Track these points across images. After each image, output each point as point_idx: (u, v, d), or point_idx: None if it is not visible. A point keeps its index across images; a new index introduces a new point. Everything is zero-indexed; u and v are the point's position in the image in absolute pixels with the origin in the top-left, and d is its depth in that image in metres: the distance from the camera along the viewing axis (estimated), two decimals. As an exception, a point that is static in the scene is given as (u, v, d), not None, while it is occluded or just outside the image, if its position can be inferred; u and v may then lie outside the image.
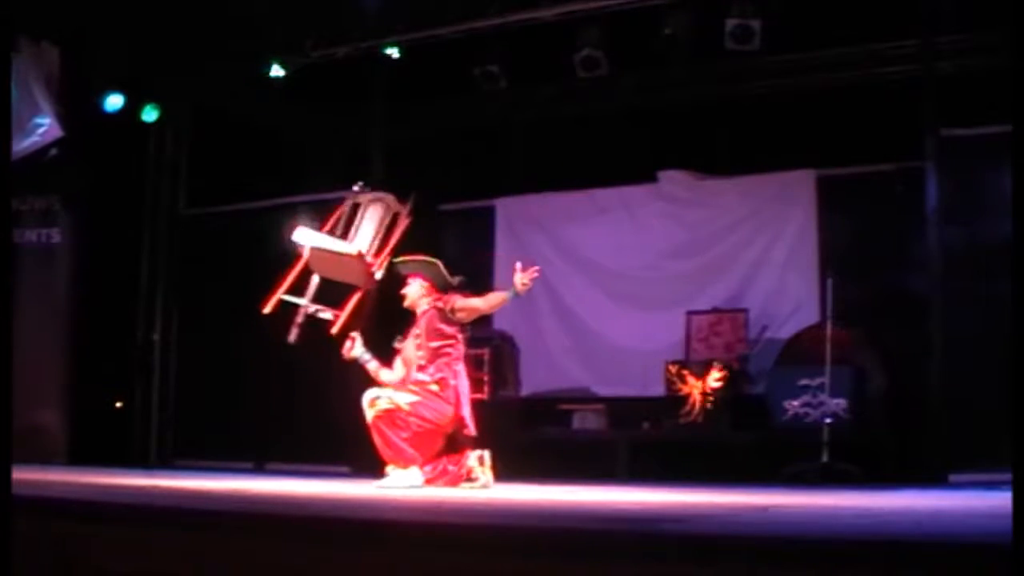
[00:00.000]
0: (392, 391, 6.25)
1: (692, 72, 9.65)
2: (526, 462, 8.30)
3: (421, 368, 6.33)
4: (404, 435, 6.14)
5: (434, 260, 6.54)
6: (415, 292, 6.50)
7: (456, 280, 6.51)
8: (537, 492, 5.93)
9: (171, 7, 8.85)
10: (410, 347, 6.46)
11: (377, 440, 6.16)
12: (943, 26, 8.45)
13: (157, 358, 10.26)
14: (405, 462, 6.11)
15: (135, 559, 3.09)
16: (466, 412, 6.31)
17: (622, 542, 2.84)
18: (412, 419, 6.15)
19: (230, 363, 9.96)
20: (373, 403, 6.16)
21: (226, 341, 10.02)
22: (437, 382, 6.26)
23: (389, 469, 6.17)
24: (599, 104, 10.18)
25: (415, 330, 6.44)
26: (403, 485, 6.01)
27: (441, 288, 6.47)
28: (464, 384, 6.37)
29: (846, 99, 9.16)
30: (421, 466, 6.17)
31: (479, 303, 6.41)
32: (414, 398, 6.20)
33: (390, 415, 6.12)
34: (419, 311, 6.48)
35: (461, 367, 6.39)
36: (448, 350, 6.34)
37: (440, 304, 6.39)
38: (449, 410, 6.23)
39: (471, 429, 6.33)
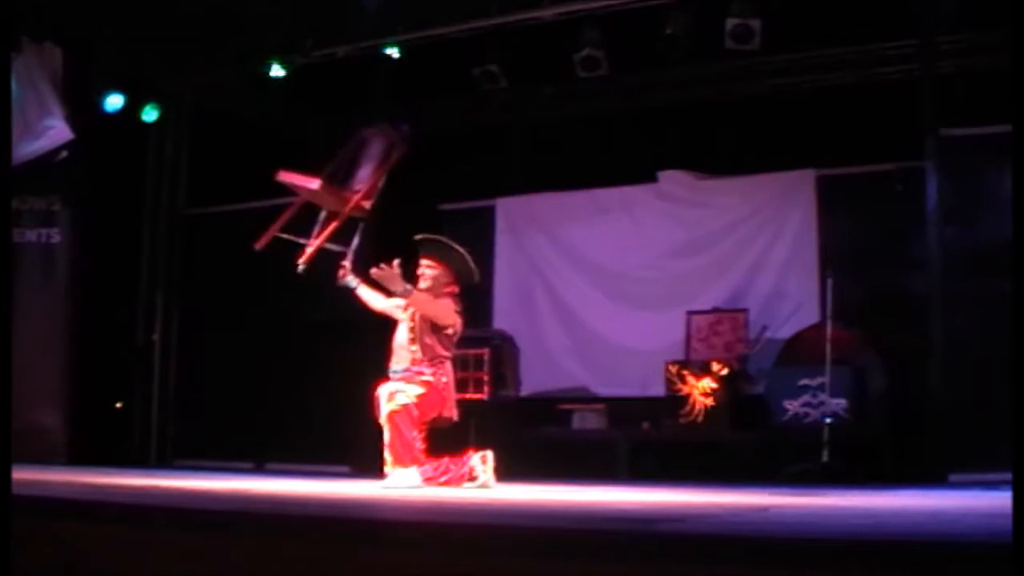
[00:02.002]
0: (406, 384, 6.23)
1: (692, 72, 9.66)
2: (526, 462, 8.30)
3: (417, 362, 6.32)
4: (415, 433, 6.14)
5: (462, 250, 6.46)
6: (435, 276, 6.40)
7: (476, 273, 6.53)
8: (537, 492, 5.93)
9: (171, 7, 8.85)
10: (402, 333, 6.43)
11: (389, 435, 6.15)
12: (943, 26, 8.45)
13: (157, 358, 10.25)
14: (410, 461, 6.10)
15: (135, 559, 3.09)
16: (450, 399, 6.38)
17: (622, 542, 2.84)
18: (416, 411, 6.17)
19: (230, 363, 9.96)
20: (392, 397, 6.14)
21: (226, 341, 10.02)
22: (434, 374, 6.27)
23: (389, 469, 6.16)
24: (599, 104, 10.18)
25: (410, 321, 6.41)
26: (403, 485, 6.01)
27: (463, 281, 6.46)
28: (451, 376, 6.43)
29: (846, 99, 9.16)
30: (422, 465, 6.17)
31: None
32: (421, 390, 6.21)
33: (407, 411, 6.12)
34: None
35: (449, 364, 6.43)
36: (442, 352, 6.36)
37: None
38: (438, 399, 6.28)
39: (454, 414, 6.37)
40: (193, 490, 5.16)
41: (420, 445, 6.18)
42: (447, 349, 6.39)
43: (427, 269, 6.41)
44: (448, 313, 6.29)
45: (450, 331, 6.35)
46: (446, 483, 6.13)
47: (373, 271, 6.13)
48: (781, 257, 9.64)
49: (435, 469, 6.19)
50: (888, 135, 8.72)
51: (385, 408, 6.16)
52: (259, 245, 6.57)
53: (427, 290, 6.35)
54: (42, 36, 9.03)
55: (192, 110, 10.51)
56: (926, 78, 8.45)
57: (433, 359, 6.31)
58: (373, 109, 10.30)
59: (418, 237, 6.48)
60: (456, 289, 6.42)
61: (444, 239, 6.49)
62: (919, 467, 7.89)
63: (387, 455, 6.20)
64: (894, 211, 9.06)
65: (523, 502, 4.89)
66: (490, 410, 9.43)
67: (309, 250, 6.57)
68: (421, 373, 6.29)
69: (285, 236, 6.51)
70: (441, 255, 6.41)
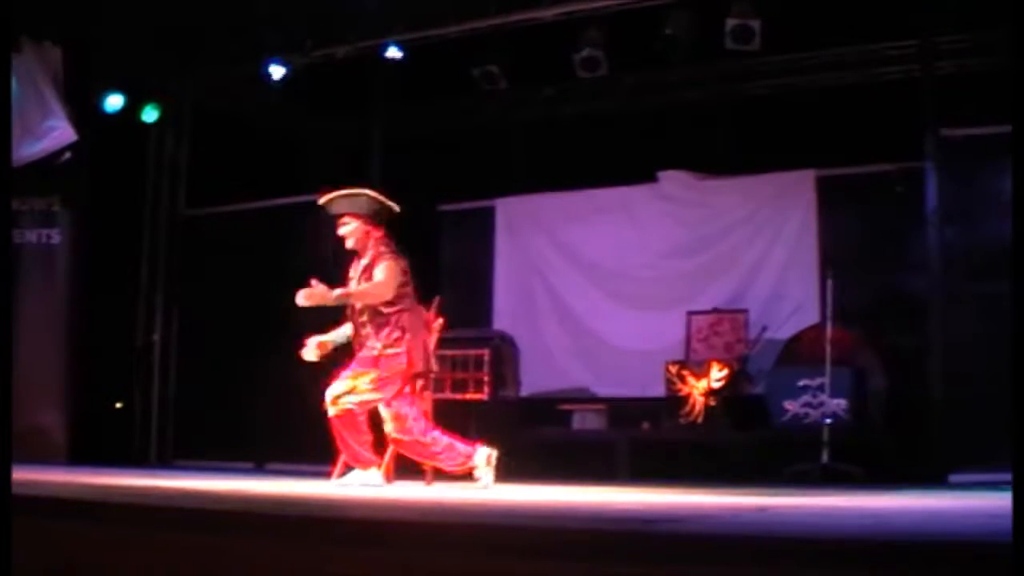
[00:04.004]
0: (354, 379, 5.98)
1: (692, 72, 9.67)
2: (526, 462, 8.29)
3: (366, 336, 6.04)
4: (365, 438, 5.98)
5: (361, 191, 6.19)
6: (353, 231, 6.11)
7: (393, 205, 6.14)
8: (537, 492, 5.93)
9: (171, 7, 8.85)
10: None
11: (336, 438, 6.07)
12: (943, 26, 8.45)
13: (157, 358, 10.24)
14: (363, 464, 6.04)
15: (135, 559, 3.09)
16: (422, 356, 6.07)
17: (622, 542, 2.84)
18: (360, 410, 5.98)
19: (230, 363, 9.95)
20: (335, 401, 5.93)
21: (226, 341, 10.02)
22: (390, 344, 6.00)
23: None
24: (599, 104, 10.19)
25: (360, 279, 6.10)
26: (361, 483, 5.90)
27: (380, 219, 6.12)
28: (420, 338, 6.07)
29: (846, 99, 9.16)
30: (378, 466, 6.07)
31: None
32: (372, 373, 5.96)
33: (351, 416, 5.93)
34: (364, 256, 6.11)
35: (412, 322, 6.05)
36: (395, 315, 6.03)
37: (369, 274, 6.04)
38: (403, 359, 5.99)
39: (430, 365, 6.14)
40: (193, 490, 5.16)
41: (367, 454, 5.99)
42: (399, 299, 6.04)
43: (345, 227, 6.12)
44: (387, 282, 5.96)
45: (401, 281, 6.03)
46: (440, 463, 6.03)
47: (302, 298, 5.90)
48: (781, 257, 9.64)
49: (437, 444, 6.05)
50: (888, 135, 8.72)
51: (330, 410, 6.02)
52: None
53: (355, 246, 6.10)
54: (42, 36, 9.03)
55: (192, 110, 10.51)
56: (926, 78, 8.45)
57: (381, 321, 6.00)
58: (373, 109, 10.33)
59: (320, 202, 6.20)
60: (381, 231, 6.13)
61: (343, 191, 6.19)
62: (919, 467, 7.89)
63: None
64: (894, 211, 9.07)
65: (523, 502, 4.89)
66: (490, 410, 9.42)
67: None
68: (372, 349, 6.03)
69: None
70: (350, 207, 6.13)
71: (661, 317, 9.81)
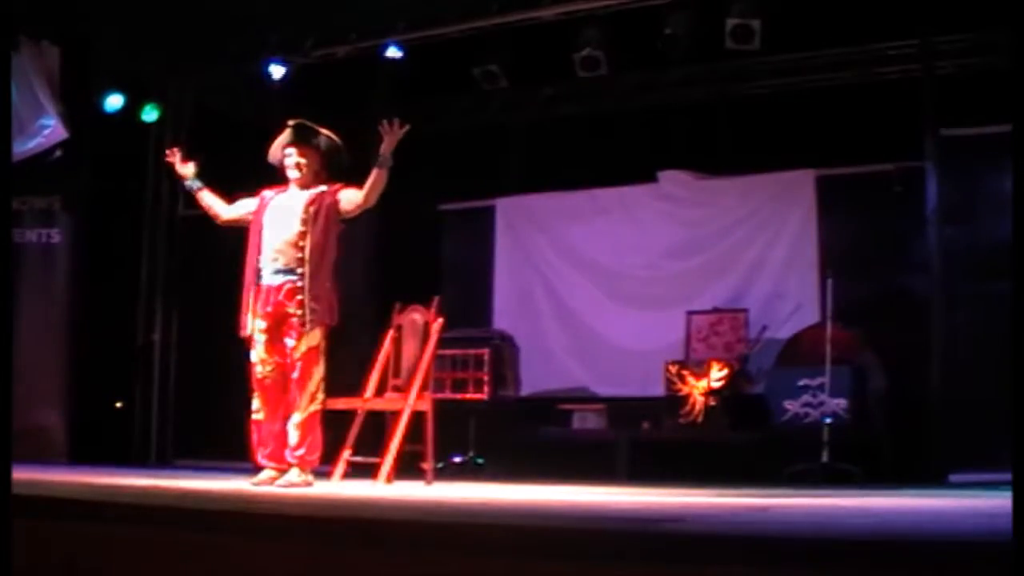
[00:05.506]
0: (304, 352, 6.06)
1: (692, 72, 9.67)
2: (526, 462, 8.30)
3: (301, 262, 5.88)
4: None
5: (339, 144, 6.05)
6: (308, 164, 5.99)
7: (346, 157, 6.00)
8: (537, 492, 5.93)
9: (171, 7, 8.85)
10: (287, 229, 5.94)
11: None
12: (943, 26, 8.45)
13: (157, 358, 10.24)
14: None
15: (135, 559, 3.09)
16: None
17: (622, 542, 2.84)
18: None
19: (230, 363, 9.93)
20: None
21: (226, 341, 10.00)
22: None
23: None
24: (599, 104, 10.18)
25: (303, 214, 5.86)
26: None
27: (331, 168, 6.00)
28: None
29: (846, 99, 9.16)
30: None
31: (362, 194, 5.75)
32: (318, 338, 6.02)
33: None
34: (309, 187, 5.95)
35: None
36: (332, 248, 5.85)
37: (331, 200, 5.85)
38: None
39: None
40: (193, 490, 5.16)
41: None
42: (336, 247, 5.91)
43: (299, 158, 5.97)
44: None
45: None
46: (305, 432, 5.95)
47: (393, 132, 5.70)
48: (781, 257, 9.65)
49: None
50: (888, 135, 8.73)
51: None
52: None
53: (299, 180, 5.93)
54: (41, 35, 9.03)
55: (192, 110, 10.50)
56: (926, 78, 8.45)
57: (322, 254, 5.81)
58: (373, 109, 10.29)
59: (291, 122, 6.07)
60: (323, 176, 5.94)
61: (326, 132, 6.08)
62: (919, 467, 7.89)
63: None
64: (894, 211, 9.07)
65: (523, 502, 4.88)
66: (490, 410, 9.42)
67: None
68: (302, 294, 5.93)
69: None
70: (311, 141, 6.02)
71: (661, 317, 9.81)
